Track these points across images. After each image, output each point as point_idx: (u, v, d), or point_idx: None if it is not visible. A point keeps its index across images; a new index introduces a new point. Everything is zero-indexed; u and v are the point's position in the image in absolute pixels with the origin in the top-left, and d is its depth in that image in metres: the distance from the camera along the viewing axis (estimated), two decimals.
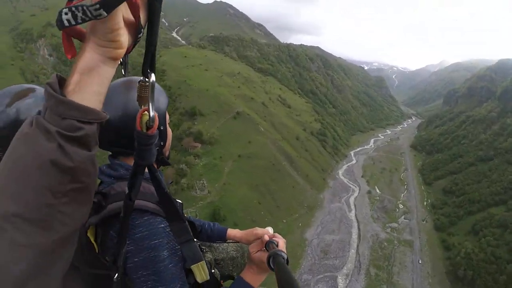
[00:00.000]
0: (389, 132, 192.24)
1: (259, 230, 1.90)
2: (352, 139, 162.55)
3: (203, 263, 1.43)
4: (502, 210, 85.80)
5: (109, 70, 0.76)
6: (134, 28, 0.77)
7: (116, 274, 1.20)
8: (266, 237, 1.74)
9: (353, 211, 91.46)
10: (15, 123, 1.49)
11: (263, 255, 1.69)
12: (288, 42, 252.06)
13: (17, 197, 0.67)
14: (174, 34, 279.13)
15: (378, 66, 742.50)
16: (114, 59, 0.76)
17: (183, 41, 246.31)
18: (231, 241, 2.08)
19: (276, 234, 1.82)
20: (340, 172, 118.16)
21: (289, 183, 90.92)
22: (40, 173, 0.67)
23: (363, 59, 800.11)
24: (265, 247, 1.90)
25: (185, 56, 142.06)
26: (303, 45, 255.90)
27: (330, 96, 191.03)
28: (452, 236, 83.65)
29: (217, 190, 77.77)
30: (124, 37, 0.75)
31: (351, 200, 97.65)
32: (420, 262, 74.57)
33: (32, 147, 0.68)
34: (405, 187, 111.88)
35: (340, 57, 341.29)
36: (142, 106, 0.88)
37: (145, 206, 1.29)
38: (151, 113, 0.86)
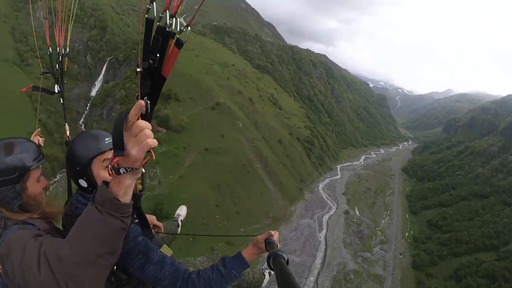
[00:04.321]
0: (383, 152, 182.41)
1: (259, 237, 2.67)
2: (342, 152, 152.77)
3: (165, 245, 2.58)
4: (492, 257, 74.99)
5: (135, 181, 1.57)
6: None
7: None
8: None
9: (324, 231, 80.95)
10: (15, 169, 2.12)
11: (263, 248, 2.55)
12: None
13: (106, 245, 1.51)
14: (181, 20, 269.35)
15: (384, 85, 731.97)
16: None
17: (188, 28, 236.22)
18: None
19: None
20: (321, 185, 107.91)
21: (258, 189, 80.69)
22: (116, 234, 1.52)
23: (370, 76, 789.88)
24: (265, 247, 2.45)
25: None
26: (309, 50, 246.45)
27: (327, 105, 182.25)
28: (431, 278, 72.58)
29: (170, 182, 67.43)
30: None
31: (325, 218, 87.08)
32: None
33: (109, 224, 1.48)
34: (388, 212, 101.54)
35: (345, 69, 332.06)
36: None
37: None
38: (141, 187, 1.85)
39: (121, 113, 1.46)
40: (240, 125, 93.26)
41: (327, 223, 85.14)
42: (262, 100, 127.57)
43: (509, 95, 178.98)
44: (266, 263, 2.04)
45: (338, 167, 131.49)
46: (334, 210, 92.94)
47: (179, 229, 5.61)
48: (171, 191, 64.94)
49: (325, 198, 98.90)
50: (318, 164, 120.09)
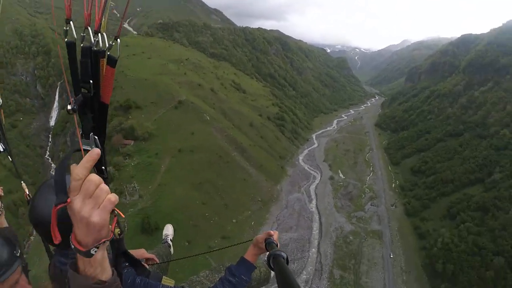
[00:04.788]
0: (353, 112, 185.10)
1: (258, 237, 2.69)
2: (314, 121, 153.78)
3: (164, 277, 2.72)
4: (480, 190, 76.87)
5: (105, 250, 1.26)
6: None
7: None
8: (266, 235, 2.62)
9: (314, 202, 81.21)
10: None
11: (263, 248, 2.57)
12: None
13: None
14: (126, 25, 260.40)
15: (341, 48, 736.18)
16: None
17: (134, 32, 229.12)
18: None
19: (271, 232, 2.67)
20: (301, 158, 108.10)
21: (240, 177, 79.60)
22: None
23: (326, 42, 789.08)
24: (266, 247, 2.50)
25: (127, 45, 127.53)
26: (261, 28, 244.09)
27: (289, 79, 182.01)
28: (426, 221, 74.33)
29: (151, 193, 65.36)
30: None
31: (312, 188, 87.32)
32: (391, 256, 64.95)
33: None
34: (371, 168, 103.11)
35: (301, 40, 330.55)
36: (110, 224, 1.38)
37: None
38: (119, 230, 1.50)
39: (59, 165, 1.19)
40: (208, 118, 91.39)
41: (315, 192, 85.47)
42: (225, 88, 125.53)
43: (463, 35, 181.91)
44: (266, 263, 2.11)
45: (313, 136, 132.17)
46: (319, 178, 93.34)
47: (171, 249, 5.60)
48: (154, 201, 63.20)
49: (308, 169, 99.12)
50: (293, 138, 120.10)
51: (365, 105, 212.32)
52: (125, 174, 67.73)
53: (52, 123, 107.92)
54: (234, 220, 68.40)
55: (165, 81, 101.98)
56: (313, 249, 64.73)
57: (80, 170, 1.10)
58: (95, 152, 1.14)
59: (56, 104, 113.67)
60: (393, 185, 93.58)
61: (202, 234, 61.02)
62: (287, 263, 2.02)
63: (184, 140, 79.86)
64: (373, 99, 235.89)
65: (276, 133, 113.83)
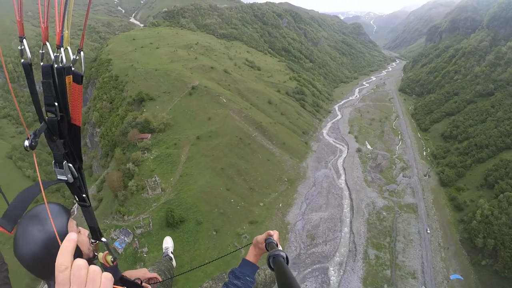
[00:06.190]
0: (374, 79, 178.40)
1: (258, 238, 2.68)
2: (335, 92, 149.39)
3: None
4: None
5: None
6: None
7: None
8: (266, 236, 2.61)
9: (343, 177, 77.91)
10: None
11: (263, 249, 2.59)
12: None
13: None
14: (132, 19, 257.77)
15: (355, 14, 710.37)
16: None
17: (141, 25, 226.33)
18: None
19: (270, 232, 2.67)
20: (324, 131, 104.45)
21: (263, 157, 77.00)
22: None
23: (338, 10, 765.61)
24: (266, 247, 2.54)
25: (134, 39, 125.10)
26: (270, 2, 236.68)
27: (305, 51, 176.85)
28: (462, 191, 69.89)
29: (173, 185, 63.46)
30: None
31: (339, 163, 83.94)
32: (428, 231, 61.34)
33: None
34: (399, 137, 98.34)
35: (312, 10, 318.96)
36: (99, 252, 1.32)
37: None
38: (112, 257, 1.40)
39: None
40: (224, 100, 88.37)
41: (343, 167, 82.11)
42: (238, 68, 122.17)
43: None
44: (266, 263, 2.12)
45: (336, 107, 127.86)
46: (346, 152, 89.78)
47: (173, 262, 5.45)
48: (177, 194, 61.35)
49: (333, 143, 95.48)
50: (315, 111, 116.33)
51: (386, 70, 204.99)
52: (145, 169, 65.97)
53: None
54: (261, 204, 66.20)
55: (176, 69, 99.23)
56: (346, 229, 61.84)
57: (63, 258, 0.97)
58: (72, 237, 1.01)
59: None
60: (424, 153, 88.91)
61: (229, 221, 59.24)
62: (287, 262, 2.02)
63: (202, 126, 77.48)
64: (393, 63, 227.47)
65: (297, 108, 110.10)
